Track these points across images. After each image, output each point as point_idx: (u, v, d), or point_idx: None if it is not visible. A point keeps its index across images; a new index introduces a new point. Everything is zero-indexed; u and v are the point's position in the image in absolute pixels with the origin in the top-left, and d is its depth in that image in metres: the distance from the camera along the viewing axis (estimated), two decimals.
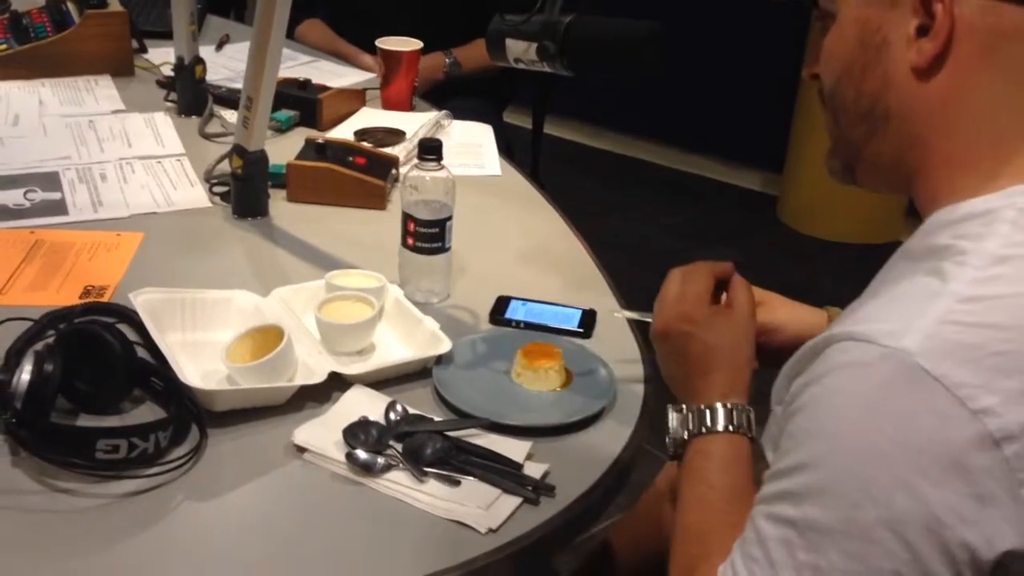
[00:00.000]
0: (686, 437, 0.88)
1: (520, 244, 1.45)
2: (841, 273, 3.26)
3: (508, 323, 1.23)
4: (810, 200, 3.50)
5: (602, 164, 4.01)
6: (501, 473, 0.95)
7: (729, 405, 0.87)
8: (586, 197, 3.65)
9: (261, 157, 1.41)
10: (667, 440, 0.90)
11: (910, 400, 0.66)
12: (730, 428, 0.86)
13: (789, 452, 0.72)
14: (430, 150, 1.20)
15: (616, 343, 1.21)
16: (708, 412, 0.88)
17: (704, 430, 0.87)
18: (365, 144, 1.68)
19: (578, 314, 1.25)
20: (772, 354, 1.11)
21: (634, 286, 1.37)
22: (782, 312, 1.11)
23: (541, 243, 1.47)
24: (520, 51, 1.02)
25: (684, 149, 3.93)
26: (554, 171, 2.67)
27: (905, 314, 0.70)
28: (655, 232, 3.49)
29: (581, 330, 1.22)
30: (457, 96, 2.24)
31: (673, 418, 0.90)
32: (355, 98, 1.90)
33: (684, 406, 0.89)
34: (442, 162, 1.21)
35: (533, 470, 0.96)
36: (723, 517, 0.81)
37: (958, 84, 0.74)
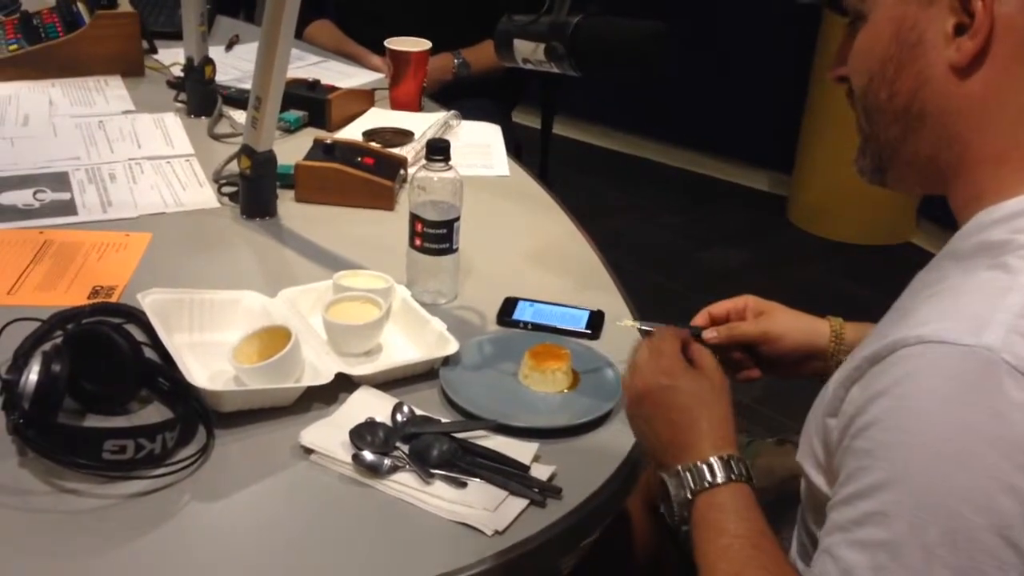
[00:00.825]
0: (689, 496, 0.85)
1: (528, 245, 1.45)
2: (852, 274, 3.25)
3: (516, 324, 1.22)
4: (820, 201, 3.49)
5: (610, 164, 4.01)
6: (508, 475, 0.95)
7: (725, 456, 0.85)
8: (594, 197, 3.66)
9: (270, 158, 1.42)
10: (670, 507, 0.86)
11: (1000, 397, 0.64)
12: (732, 477, 0.84)
13: (867, 470, 0.68)
14: (438, 151, 1.20)
15: (624, 344, 1.19)
16: (706, 467, 0.85)
17: (707, 484, 0.84)
18: (373, 144, 1.68)
19: (586, 315, 1.24)
20: (774, 362, 1.12)
21: (642, 287, 1.37)
22: (782, 320, 1.11)
23: (549, 244, 1.47)
24: (528, 51, 1.02)
25: (692, 149, 3.92)
26: (562, 171, 2.67)
27: (977, 311, 0.68)
28: (663, 233, 3.48)
29: (589, 331, 1.22)
30: (465, 96, 2.24)
31: (671, 483, 0.86)
32: (364, 98, 1.90)
33: (679, 467, 0.86)
34: (450, 163, 1.21)
35: (540, 472, 0.96)
36: (754, 562, 0.79)
37: (997, 81, 0.74)
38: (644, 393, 0.93)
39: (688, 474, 0.85)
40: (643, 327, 1.13)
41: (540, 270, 1.38)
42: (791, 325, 1.10)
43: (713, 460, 0.85)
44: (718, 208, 3.72)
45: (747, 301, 1.13)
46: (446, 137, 1.80)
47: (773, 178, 3.76)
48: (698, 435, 0.88)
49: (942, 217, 3.64)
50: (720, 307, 1.13)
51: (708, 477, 0.84)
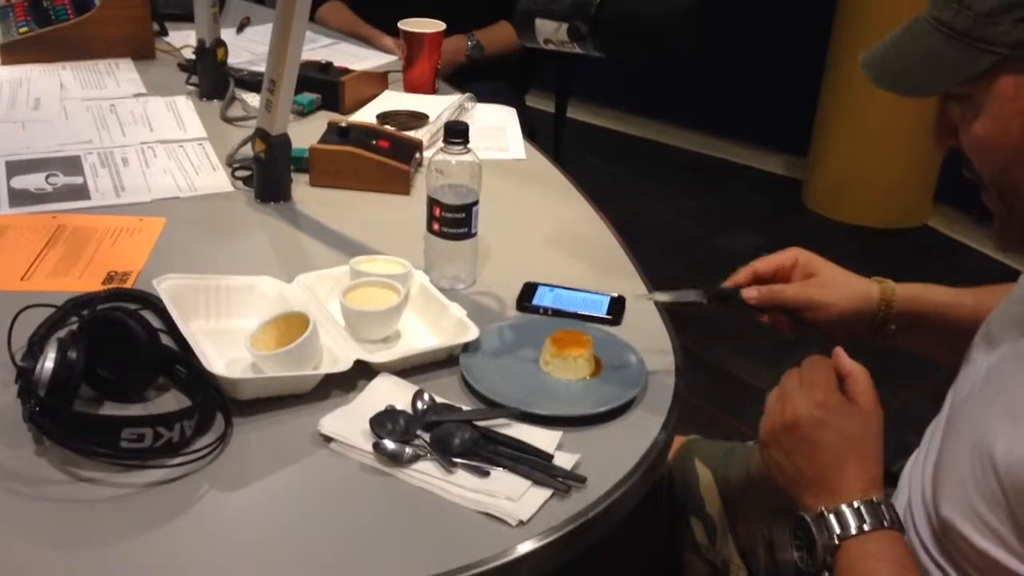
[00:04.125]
0: (836, 542, 0.82)
1: (546, 229, 1.43)
2: (869, 259, 3.20)
3: (536, 310, 1.20)
4: (836, 184, 3.45)
5: (623, 147, 3.97)
6: (531, 464, 0.93)
7: (875, 500, 0.82)
8: (607, 181, 3.63)
9: (284, 141, 1.40)
10: (809, 550, 0.83)
11: None
12: (883, 524, 0.81)
13: None
14: (457, 133, 1.17)
15: (645, 330, 1.18)
16: (853, 512, 0.82)
17: (856, 531, 0.81)
18: (388, 127, 1.66)
19: (606, 300, 1.22)
20: (821, 328, 1.09)
21: (658, 271, 1.35)
22: (831, 288, 1.07)
23: (567, 228, 1.45)
24: (550, 31, 1.00)
25: (706, 132, 3.88)
26: (576, 154, 2.65)
27: None
28: (678, 217, 3.46)
29: (610, 317, 1.20)
30: (479, 79, 2.22)
31: (813, 526, 0.83)
32: (377, 81, 1.88)
33: (823, 509, 0.83)
34: (468, 146, 1.19)
35: (563, 460, 0.94)
36: None
37: None
38: (792, 424, 0.88)
39: (835, 518, 0.82)
40: (670, 300, 1.10)
41: (559, 255, 1.36)
42: (840, 294, 1.07)
43: (861, 505, 0.82)
44: (733, 191, 3.69)
45: (797, 257, 1.09)
46: (460, 119, 1.78)
47: (788, 161, 3.73)
48: (846, 477, 0.84)
49: (959, 200, 3.62)
50: (767, 263, 1.09)
51: (857, 523, 0.81)
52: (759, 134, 3.77)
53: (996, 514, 0.77)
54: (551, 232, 1.42)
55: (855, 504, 0.83)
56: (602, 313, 1.20)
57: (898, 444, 0.98)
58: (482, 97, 1.89)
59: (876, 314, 1.08)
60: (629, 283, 1.28)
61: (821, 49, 3.39)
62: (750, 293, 1.07)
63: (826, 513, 0.84)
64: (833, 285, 1.08)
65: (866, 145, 3.33)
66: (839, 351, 0.93)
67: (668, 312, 1.22)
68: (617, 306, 1.22)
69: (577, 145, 2.82)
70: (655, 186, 3.67)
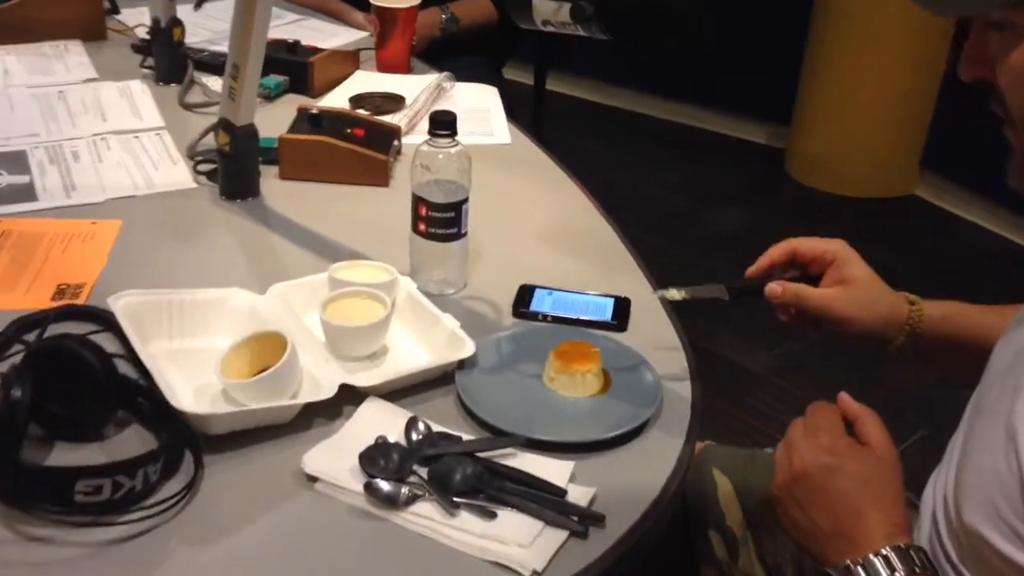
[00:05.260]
0: None
1: (539, 223, 1.32)
2: (857, 230, 3.14)
3: (534, 316, 1.10)
4: (820, 154, 3.37)
5: (601, 119, 3.86)
6: (543, 501, 0.83)
7: (902, 546, 0.76)
8: (588, 155, 3.51)
9: (251, 132, 1.27)
10: None
11: None
12: (915, 571, 0.75)
13: None
14: (443, 124, 1.06)
15: (654, 335, 1.08)
16: (882, 561, 0.76)
17: None
18: (362, 112, 1.54)
19: (610, 303, 1.12)
20: (836, 337, 1.02)
21: (644, 250, 1.26)
22: (860, 302, 1.00)
23: (562, 221, 1.34)
24: (549, 12, 0.89)
25: (687, 102, 3.77)
26: (554, 128, 2.54)
27: None
28: (661, 191, 3.36)
29: (615, 322, 1.10)
30: (454, 54, 2.10)
31: None
32: (348, 60, 1.75)
33: (849, 563, 0.77)
34: (457, 137, 1.07)
35: (578, 495, 0.84)
36: None
37: None
38: (800, 474, 0.81)
39: (863, 570, 0.76)
40: (687, 296, 1.00)
41: (555, 251, 1.26)
42: (863, 313, 0.99)
43: (889, 552, 0.76)
44: (715, 163, 3.59)
45: (836, 253, 1.01)
46: (439, 101, 1.66)
47: (771, 131, 3.63)
48: (867, 525, 0.78)
49: (946, 168, 3.53)
50: (808, 247, 1.01)
51: (888, 572, 0.75)
52: (741, 104, 3.67)
53: (1020, 516, 0.72)
54: (544, 226, 1.31)
55: (883, 552, 0.77)
56: (607, 318, 1.10)
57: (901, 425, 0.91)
58: (458, 74, 1.77)
59: (895, 340, 1.02)
60: (633, 283, 1.18)
61: (804, 17, 3.28)
62: (775, 290, 0.99)
63: (853, 567, 0.77)
64: (860, 302, 1.00)
65: (850, 114, 3.24)
66: (844, 396, 0.87)
67: (675, 308, 1.12)
68: (622, 309, 1.12)
69: (554, 118, 2.70)
70: (635, 159, 3.56)
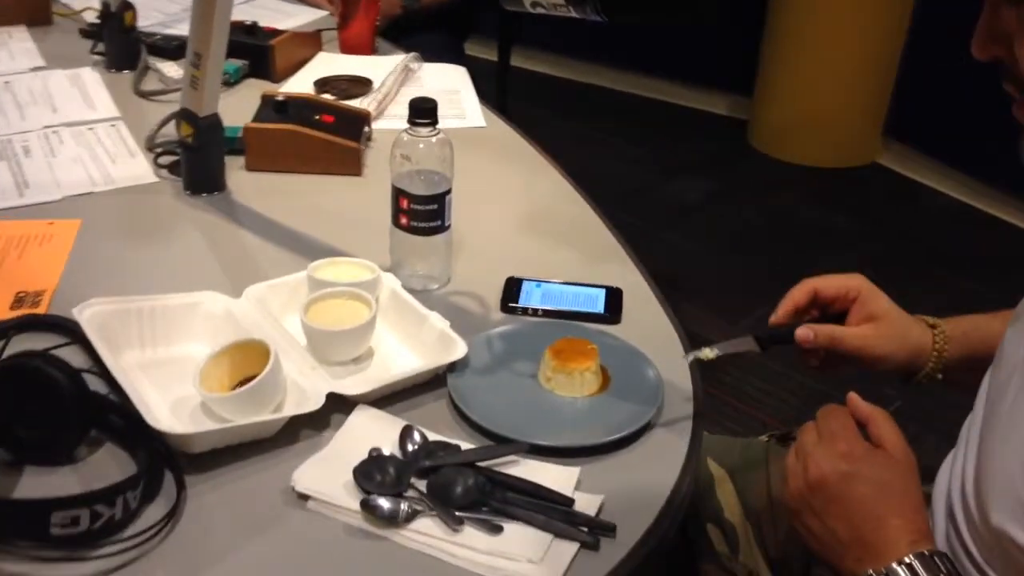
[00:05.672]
0: None
1: (521, 210, 1.27)
2: (821, 199, 3.14)
3: (523, 311, 1.05)
4: (782, 124, 3.35)
5: (561, 94, 3.80)
6: (550, 512, 0.79)
7: (926, 552, 0.72)
8: (551, 130, 3.45)
9: (215, 123, 1.21)
10: None
11: None
12: None
13: None
14: (424, 112, 1.01)
15: (649, 326, 1.05)
16: (908, 567, 0.73)
17: None
18: (328, 97, 1.47)
19: (602, 294, 1.08)
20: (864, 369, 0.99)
21: (613, 224, 1.22)
22: (888, 338, 0.97)
23: (544, 207, 1.30)
24: None
25: (647, 74, 3.73)
26: (515, 104, 2.48)
27: None
28: (624, 165, 3.32)
29: (608, 314, 1.05)
30: (415, 31, 2.04)
31: None
32: (310, 42, 1.68)
33: (871, 572, 0.74)
34: (438, 126, 1.02)
35: (585, 503, 0.80)
36: None
37: None
38: (818, 482, 0.78)
39: None
40: (718, 354, 0.95)
41: (539, 240, 1.21)
42: (895, 347, 0.96)
43: (913, 560, 0.73)
44: (677, 135, 3.56)
45: (860, 289, 0.97)
46: (407, 84, 1.60)
47: (733, 101, 3.61)
48: (888, 533, 0.75)
49: (908, 136, 3.53)
50: (829, 287, 0.97)
51: None
52: (702, 75, 3.63)
53: None
54: (527, 213, 1.27)
55: (906, 560, 0.74)
56: (599, 310, 1.06)
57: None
58: (421, 51, 1.71)
59: (925, 368, 0.98)
60: (623, 271, 1.14)
61: None
62: (806, 336, 0.95)
63: None
64: (892, 336, 0.97)
65: (812, 83, 3.22)
66: (854, 396, 0.84)
67: (667, 296, 1.09)
68: (614, 300, 1.07)
69: (514, 93, 2.65)
70: (598, 133, 3.51)
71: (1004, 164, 2.98)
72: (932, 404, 1.75)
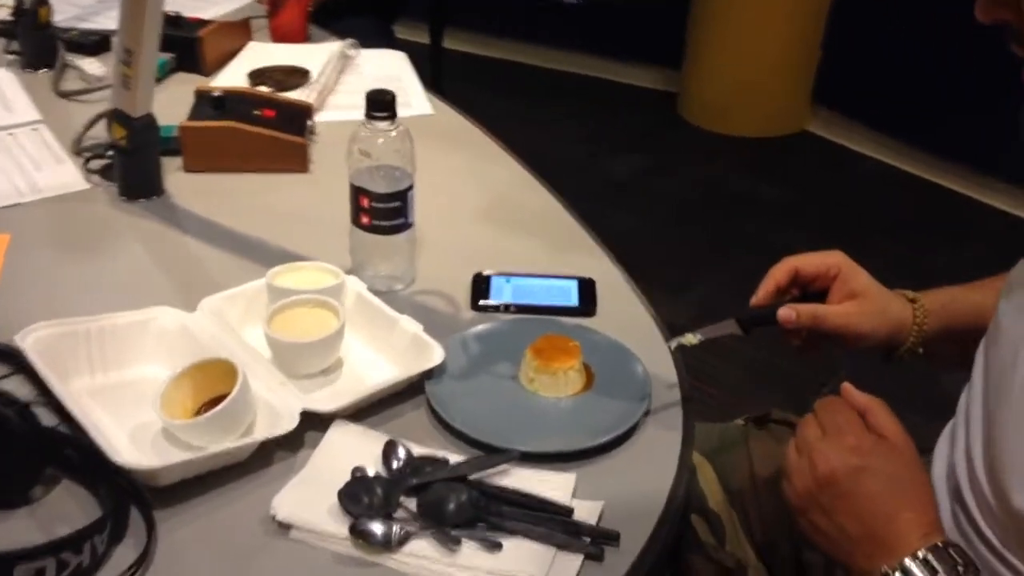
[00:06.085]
0: None
1: (479, 202, 1.23)
2: (752, 169, 3.15)
3: (495, 308, 1.01)
4: (713, 95, 3.35)
5: (490, 73, 3.74)
6: (550, 524, 0.75)
7: (940, 544, 0.70)
8: (484, 111, 3.40)
9: (150, 123, 1.13)
10: None
11: None
12: (959, 570, 0.70)
13: None
14: (382, 105, 0.95)
15: (626, 317, 1.02)
16: (922, 562, 0.70)
17: None
18: (264, 89, 1.40)
19: (574, 285, 1.04)
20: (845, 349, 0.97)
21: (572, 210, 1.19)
22: (870, 315, 0.94)
23: (504, 197, 1.25)
24: None
25: (574, 50, 3.69)
26: (448, 86, 2.42)
27: None
28: (557, 142, 3.27)
29: (582, 307, 1.02)
30: (342, 15, 1.96)
31: None
32: (240, 32, 1.60)
33: (885, 568, 0.71)
34: (397, 119, 0.97)
35: (585, 512, 0.77)
36: None
37: None
38: (827, 479, 0.75)
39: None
40: (701, 339, 0.92)
41: (503, 232, 1.17)
42: (881, 319, 0.94)
43: (928, 554, 0.70)
44: (608, 110, 3.53)
45: (840, 266, 0.95)
46: (346, 72, 1.54)
47: (662, 75, 3.59)
48: (900, 526, 0.72)
49: (837, 103, 3.55)
50: (809, 265, 0.95)
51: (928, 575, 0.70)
52: (630, 49, 3.61)
53: None
54: (486, 204, 1.22)
55: (920, 555, 0.72)
56: (573, 303, 1.02)
57: None
58: (349, 36, 1.64)
59: (907, 343, 0.97)
60: (593, 260, 1.11)
61: None
62: (788, 315, 0.92)
63: (890, 573, 0.72)
64: (874, 313, 0.95)
65: (740, 53, 3.22)
66: (848, 387, 0.82)
67: (643, 288, 1.05)
68: (588, 292, 1.04)
69: (445, 75, 2.59)
70: (530, 112, 3.46)
71: (931, 127, 3.03)
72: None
